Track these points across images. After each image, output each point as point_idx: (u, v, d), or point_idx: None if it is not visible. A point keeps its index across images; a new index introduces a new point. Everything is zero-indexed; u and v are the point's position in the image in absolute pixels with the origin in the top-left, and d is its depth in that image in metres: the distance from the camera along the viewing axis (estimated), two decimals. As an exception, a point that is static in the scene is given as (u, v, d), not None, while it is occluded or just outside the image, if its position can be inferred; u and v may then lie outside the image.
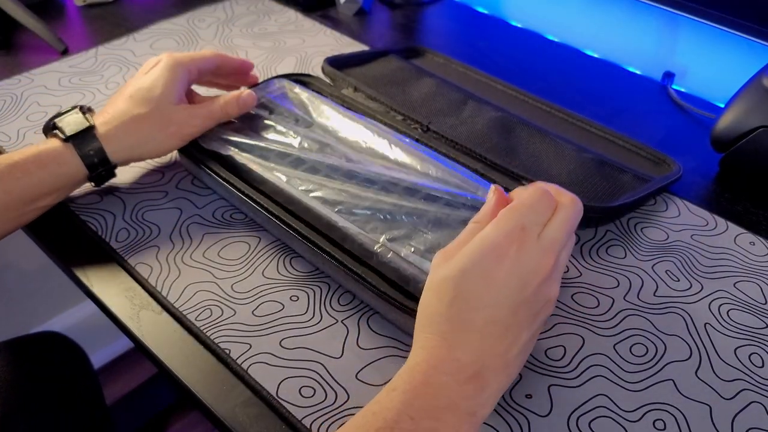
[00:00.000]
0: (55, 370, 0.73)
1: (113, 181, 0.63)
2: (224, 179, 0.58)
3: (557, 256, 0.41)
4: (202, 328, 0.50)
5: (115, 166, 0.57)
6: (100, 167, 0.56)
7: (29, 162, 0.53)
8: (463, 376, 0.38)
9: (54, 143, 0.54)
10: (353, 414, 0.44)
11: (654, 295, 0.54)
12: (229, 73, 0.66)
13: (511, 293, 0.39)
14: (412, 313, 0.46)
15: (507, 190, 0.52)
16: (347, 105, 0.67)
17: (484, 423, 0.44)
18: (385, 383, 0.46)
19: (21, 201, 0.53)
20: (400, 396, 0.37)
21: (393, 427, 0.36)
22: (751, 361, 0.49)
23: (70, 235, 0.58)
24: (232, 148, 0.59)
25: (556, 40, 0.93)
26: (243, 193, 0.57)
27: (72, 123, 0.55)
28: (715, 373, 0.48)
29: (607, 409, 0.46)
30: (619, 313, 0.53)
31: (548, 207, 0.42)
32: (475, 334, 0.38)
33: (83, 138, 0.54)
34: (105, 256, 0.56)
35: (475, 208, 0.51)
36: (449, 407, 0.37)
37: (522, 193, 0.43)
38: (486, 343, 0.39)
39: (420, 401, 0.37)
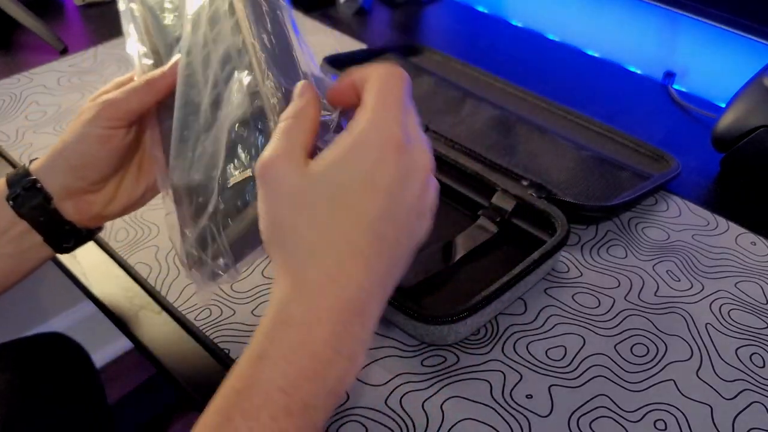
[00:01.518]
0: (59, 371, 0.73)
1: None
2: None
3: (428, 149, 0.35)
4: (201, 328, 0.50)
5: (45, 192, 0.45)
6: (21, 181, 0.44)
7: None
8: (348, 316, 0.31)
9: None
10: (353, 414, 0.44)
11: (655, 295, 0.54)
12: None
13: (397, 202, 0.32)
14: (413, 315, 0.46)
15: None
16: None
17: (484, 423, 0.44)
18: (385, 383, 0.46)
19: None
20: (272, 367, 0.31)
21: (260, 409, 0.30)
22: (752, 362, 0.49)
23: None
24: None
25: (556, 39, 0.93)
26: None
27: None
28: (716, 373, 0.48)
29: (608, 409, 0.46)
30: (619, 313, 0.52)
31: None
32: (361, 259, 0.32)
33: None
34: (104, 255, 0.56)
35: None
36: (330, 360, 0.31)
37: (385, 87, 0.33)
38: (372, 268, 0.32)
39: (296, 367, 0.30)
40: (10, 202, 0.44)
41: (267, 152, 0.33)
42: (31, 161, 0.46)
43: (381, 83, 0.34)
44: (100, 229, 0.50)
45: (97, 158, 0.44)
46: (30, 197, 0.44)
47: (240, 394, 0.31)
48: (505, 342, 0.50)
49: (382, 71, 0.34)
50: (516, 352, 0.49)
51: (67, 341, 0.77)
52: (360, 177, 0.31)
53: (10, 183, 0.45)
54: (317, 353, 0.31)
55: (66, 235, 0.47)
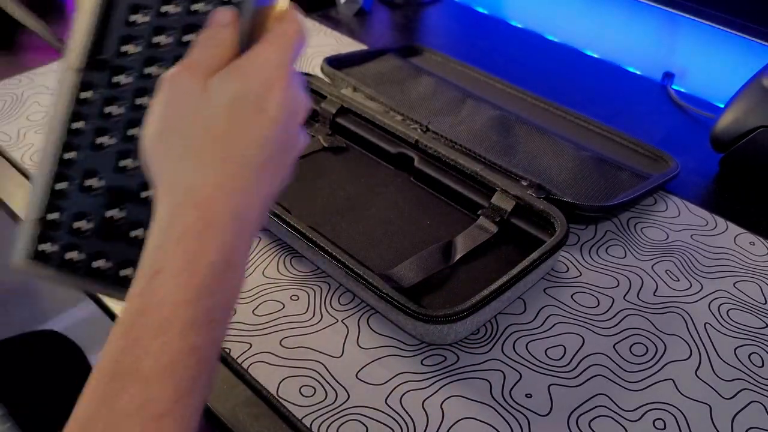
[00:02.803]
0: (53, 368, 0.73)
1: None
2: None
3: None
4: (202, 328, 0.50)
5: None
6: None
7: None
8: (239, 226, 0.32)
9: None
10: (353, 413, 0.44)
11: (654, 294, 0.54)
12: None
13: (284, 128, 0.34)
14: (414, 314, 0.46)
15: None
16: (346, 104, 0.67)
17: (484, 422, 0.44)
18: (385, 383, 0.46)
19: None
20: (173, 280, 0.30)
21: (169, 324, 0.29)
22: (750, 361, 0.49)
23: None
24: None
25: (556, 40, 0.93)
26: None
27: None
28: (714, 372, 0.48)
29: (607, 408, 0.46)
30: (619, 312, 0.53)
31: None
32: (253, 173, 0.33)
33: None
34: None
35: None
36: (224, 271, 0.31)
37: (283, 29, 0.36)
38: (261, 183, 0.33)
39: (197, 278, 0.30)
40: None
41: (177, 65, 0.34)
42: None
43: (283, 26, 0.35)
44: None
45: None
46: None
47: (143, 313, 0.30)
48: (504, 341, 0.50)
49: (289, 17, 0.36)
50: (515, 352, 0.49)
51: (62, 339, 0.77)
52: (253, 96, 0.33)
53: None
54: (214, 264, 0.31)
55: None
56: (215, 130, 0.32)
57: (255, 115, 0.33)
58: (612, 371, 0.48)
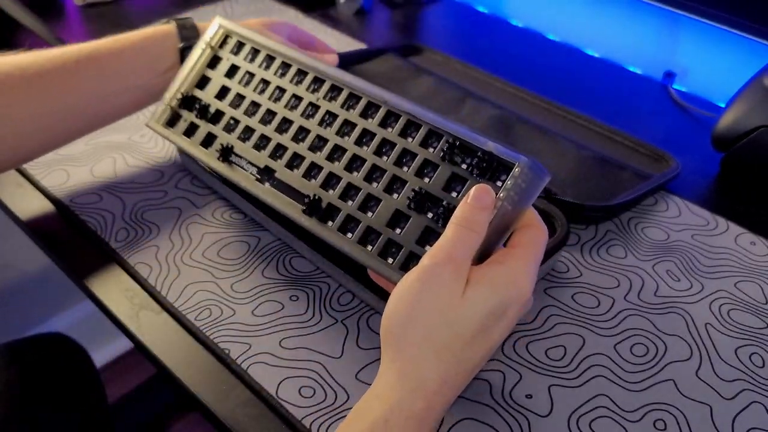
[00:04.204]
0: (59, 372, 0.73)
1: (112, 180, 0.63)
2: (225, 178, 0.58)
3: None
4: (201, 328, 0.50)
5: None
6: (190, 36, 0.60)
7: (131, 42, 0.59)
8: (430, 416, 0.36)
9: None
10: (353, 414, 0.44)
11: (654, 295, 0.54)
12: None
13: (494, 346, 0.38)
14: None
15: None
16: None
17: (484, 423, 0.44)
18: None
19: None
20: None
21: None
22: (751, 361, 0.49)
23: (70, 235, 0.58)
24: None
25: (556, 39, 0.93)
26: (243, 192, 0.57)
27: None
28: (715, 373, 0.48)
29: (608, 409, 0.46)
30: (619, 313, 0.53)
31: None
32: (453, 386, 0.37)
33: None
34: (104, 255, 0.56)
35: None
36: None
37: (533, 237, 0.40)
38: (457, 388, 0.38)
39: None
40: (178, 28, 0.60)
41: (440, 253, 0.37)
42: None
43: (532, 234, 0.39)
44: None
45: None
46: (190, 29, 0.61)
47: None
48: (504, 342, 0.50)
49: (535, 222, 0.40)
50: (516, 352, 0.49)
51: (69, 342, 0.77)
52: (502, 308, 0.37)
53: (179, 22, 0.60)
54: None
55: None
56: (464, 337, 0.36)
57: (496, 323, 0.37)
58: (612, 372, 0.48)
